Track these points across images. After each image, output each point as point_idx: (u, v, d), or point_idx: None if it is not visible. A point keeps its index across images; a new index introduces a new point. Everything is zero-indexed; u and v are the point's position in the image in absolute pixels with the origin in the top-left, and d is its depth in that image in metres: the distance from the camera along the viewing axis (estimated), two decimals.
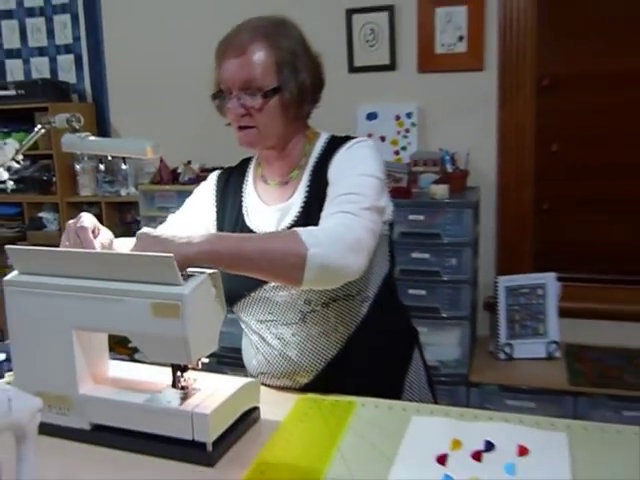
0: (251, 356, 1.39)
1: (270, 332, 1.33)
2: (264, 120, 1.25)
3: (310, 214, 1.25)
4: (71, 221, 1.19)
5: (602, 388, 2.33)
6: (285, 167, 1.35)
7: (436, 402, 1.46)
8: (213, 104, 1.32)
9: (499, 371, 2.52)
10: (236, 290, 1.29)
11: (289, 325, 1.30)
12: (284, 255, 1.08)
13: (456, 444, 1.03)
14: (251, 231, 1.33)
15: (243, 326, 1.41)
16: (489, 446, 1.02)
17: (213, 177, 1.48)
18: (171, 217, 1.45)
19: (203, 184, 1.49)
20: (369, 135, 2.86)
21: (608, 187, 2.69)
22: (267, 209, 1.35)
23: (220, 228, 1.41)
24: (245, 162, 1.47)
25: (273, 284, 1.27)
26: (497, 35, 2.67)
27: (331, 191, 1.24)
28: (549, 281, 2.58)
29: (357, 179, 1.22)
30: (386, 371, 1.37)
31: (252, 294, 1.31)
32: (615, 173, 2.67)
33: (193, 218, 1.42)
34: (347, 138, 1.33)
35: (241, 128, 1.26)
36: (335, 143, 1.33)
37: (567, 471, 0.95)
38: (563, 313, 2.58)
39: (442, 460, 0.99)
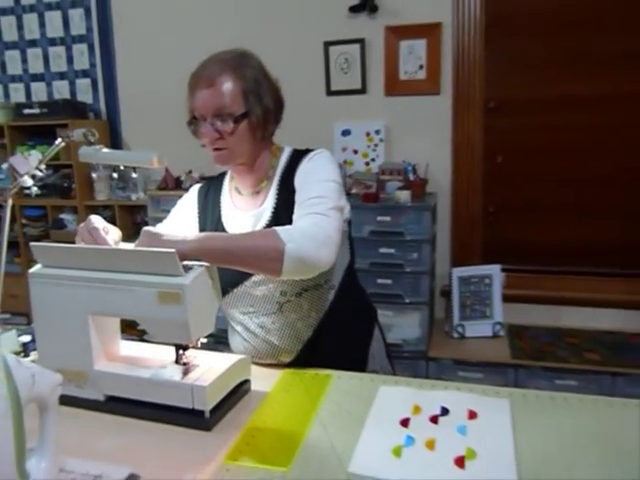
0: (238, 343, 1.37)
1: (253, 322, 1.31)
2: (235, 142, 1.23)
3: (280, 217, 1.24)
4: (82, 224, 1.17)
5: (538, 361, 2.36)
6: (255, 179, 1.32)
7: (394, 370, 1.47)
8: (189, 129, 1.28)
9: (453, 348, 2.53)
10: (223, 287, 1.26)
11: (269, 315, 1.29)
12: (265, 250, 1.07)
13: (416, 409, 1.04)
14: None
15: (229, 319, 1.39)
16: (444, 411, 1.03)
17: (194, 190, 1.45)
18: (159, 226, 1.39)
19: (186, 196, 1.45)
20: (343, 149, 2.87)
21: (544, 193, 2.71)
22: (243, 215, 1.33)
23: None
24: (221, 176, 1.44)
25: (253, 280, 1.26)
26: (451, 65, 2.68)
27: (298, 196, 1.23)
28: (495, 272, 2.60)
29: (320, 185, 1.21)
30: (353, 345, 1.38)
31: (234, 290, 1.30)
32: (550, 182, 2.69)
33: (179, 226, 1.38)
34: (307, 151, 1.32)
35: (215, 150, 1.24)
36: (297, 155, 1.32)
37: (509, 431, 0.96)
38: (506, 299, 2.60)
39: (405, 423, 1.00)
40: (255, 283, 1.27)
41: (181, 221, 1.40)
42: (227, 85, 1.20)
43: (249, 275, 1.26)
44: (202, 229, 1.38)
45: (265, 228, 1.26)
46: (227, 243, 1.10)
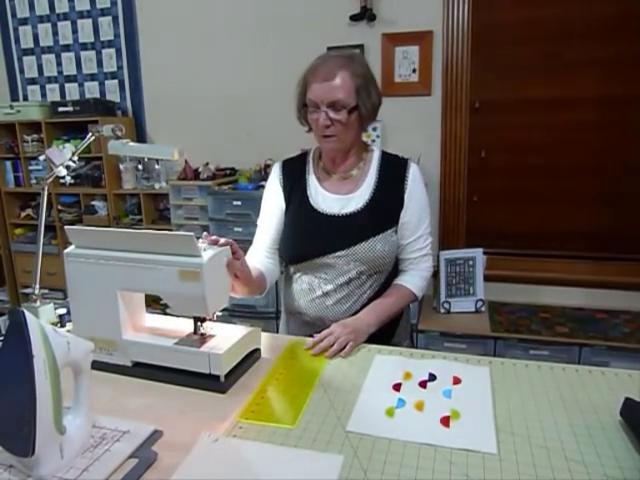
0: (294, 300, 1.38)
1: (319, 286, 1.33)
2: (344, 130, 1.26)
3: (377, 205, 1.31)
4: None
5: (514, 334, 2.36)
6: (347, 166, 1.35)
7: (414, 344, 1.49)
8: (297, 114, 1.32)
9: (440, 321, 2.53)
10: (305, 255, 1.31)
11: (335, 284, 1.31)
12: (406, 304, 1.37)
13: (407, 376, 1.04)
14: (314, 210, 1.33)
15: (295, 279, 1.38)
16: (432, 377, 1.03)
17: (277, 167, 1.43)
18: (260, 222, 1.41)
19: (269, 179, 1.43)
20: None
21: (522, 184, 2.70)
22: (330, 196, 1.34)
23: (287, 206, 1.37)
24: (303, 155, 1.44)
25: (336, 254, 1.29)
26: (441, 69, 2.65)
27: (414, 223, 1.33)
28: (477, 255, 2.59)
29: (427, 221, 1.37)
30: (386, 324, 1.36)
31: (316, 260, 1.31)
32: (527, 173, 2.68)
33: (273, 214, 1.39)
34: (397, 157, 1.40)
35: (325, 137, 1.27)
36: (389, 159, 1.39)
37: (489, 395, 0.96)
38: (487, 278, 2.60)
39: (397, 388, 1.00)
40: (337, 257, 1.29)
41: (274, 209, 1.39)
42: (342, 80, 1.22)
43: (334, 250, 1.29)
44: (287, 201, 1.37)
45: (358, 211, 1.31)
46: (389, 312, 1.29)
